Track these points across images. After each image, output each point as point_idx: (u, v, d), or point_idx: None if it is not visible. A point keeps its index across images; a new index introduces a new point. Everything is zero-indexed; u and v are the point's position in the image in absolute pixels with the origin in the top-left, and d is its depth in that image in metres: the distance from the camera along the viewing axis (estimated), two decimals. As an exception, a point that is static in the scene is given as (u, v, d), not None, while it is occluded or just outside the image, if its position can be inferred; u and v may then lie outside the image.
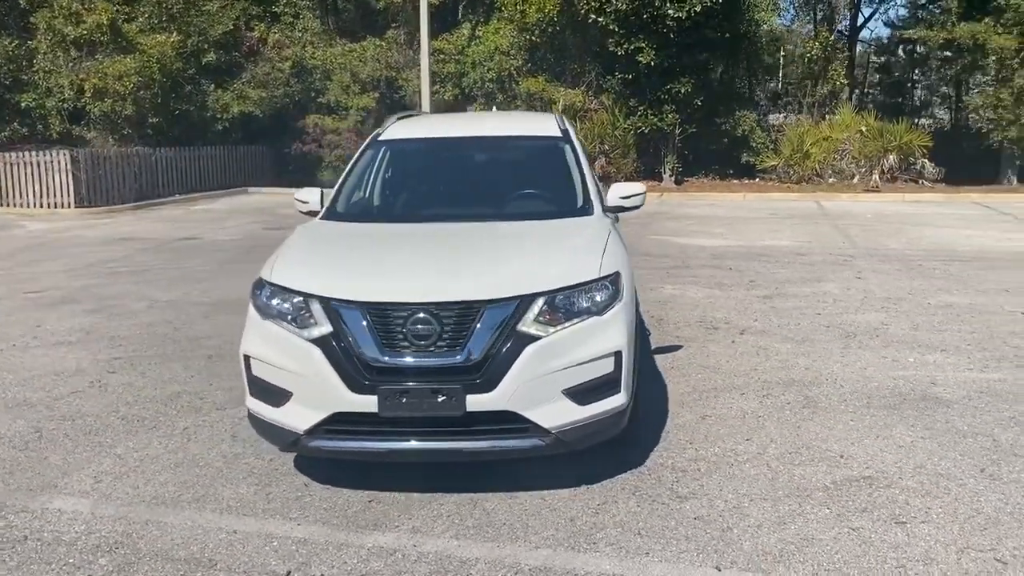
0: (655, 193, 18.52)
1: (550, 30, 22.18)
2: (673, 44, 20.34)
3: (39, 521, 3.92)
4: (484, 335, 3.77)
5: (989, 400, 5.27)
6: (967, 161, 21.47)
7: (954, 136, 23.62)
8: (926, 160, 21.23)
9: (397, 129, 5.78)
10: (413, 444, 3.83)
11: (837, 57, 23.54)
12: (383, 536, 3.72)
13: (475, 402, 3.74)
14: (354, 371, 3.78)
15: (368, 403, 3.77)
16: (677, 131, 21.23)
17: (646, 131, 21.14)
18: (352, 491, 4.15)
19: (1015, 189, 19.78)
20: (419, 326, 3.77)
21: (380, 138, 5.64)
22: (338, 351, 3.80)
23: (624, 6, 19.83)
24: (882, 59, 26.52)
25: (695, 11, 19.30)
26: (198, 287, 9.45)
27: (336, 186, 5.33)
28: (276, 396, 3.97)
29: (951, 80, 24.11)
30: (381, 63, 24.73)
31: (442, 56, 23.80)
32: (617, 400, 4.00)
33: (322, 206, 5.30)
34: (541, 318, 3.84)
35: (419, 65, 24.46)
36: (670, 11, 19.67)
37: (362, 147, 5.62)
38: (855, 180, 21.49)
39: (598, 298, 3.99)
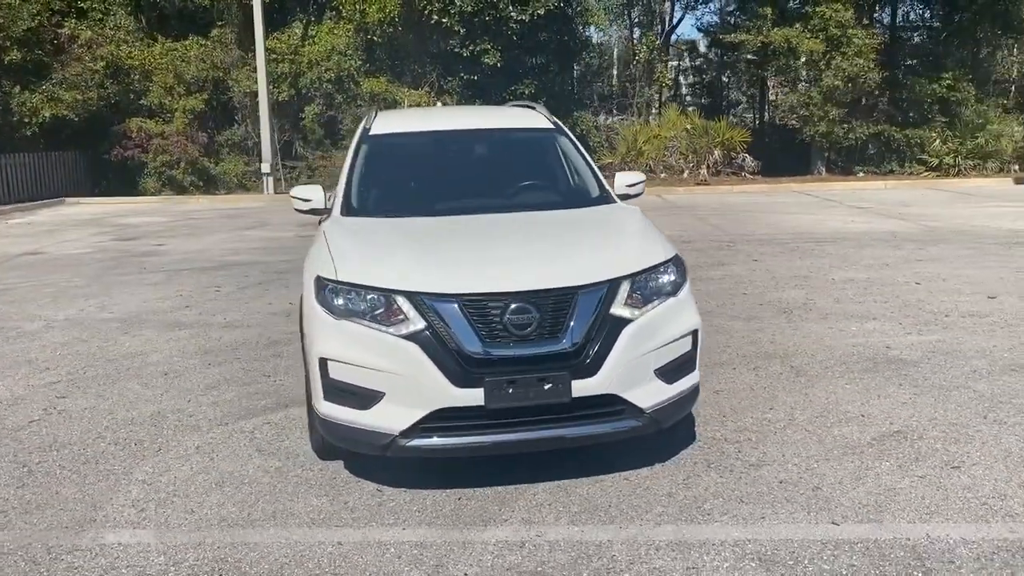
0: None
1: (391, 30, 21.98)
2: (516, 46, 20.83)
3: (104, 558, 3.50)
4: (582, 320, 3.79)
5: (944, 358, 5.90)
6: (777, 154, 23.49)
7: (765, 132, 25.76)
8: (746, 155, 23.01)
9: (385, 123, 5.60)
10: (518, 435, 3.78)
11: (662, 60, 24.99)
12: (499, 530, 3.64)
13: (580, 388, 3.75)
14: (455, 365, 3.67)
15: (473, 396, 3.68)
16: (522, 131, 21.67)
17: (493, 131, 21.42)
18: (433, 491, 4.01)
19: (825, 179, 21.92)
20: (519, 315, 3.73)
21: (372, 132, 5.44)
22: (437, 346, 3.69)
23: (469, 7, 20.05)
24: (697, 62, 28.46)
25: (538, 14, 19.87)
26: (91, 303, 8.62)
27: (343, 182, 5.09)
28: (364, 398, 3.78)
29: (756, 82, 26.26)
30: (207, 63, 23.48)
31: (274, 56, 22.93)
32: (695, 376, 4.15)
33: (327, 204, 5.07)
34: (628, 301, 3.91)
35: (249, 65, 23.49)
36: (513, 14, 20.13)
37: (356, 142, 5.39)
38: (685, 175, 22.93)
39: (671, 279, 4.12)
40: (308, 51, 23.15)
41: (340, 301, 3.90)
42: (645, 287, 4.01)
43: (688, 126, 23.40)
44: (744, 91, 27.78)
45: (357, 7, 21.86)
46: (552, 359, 3.74)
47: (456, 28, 20.62)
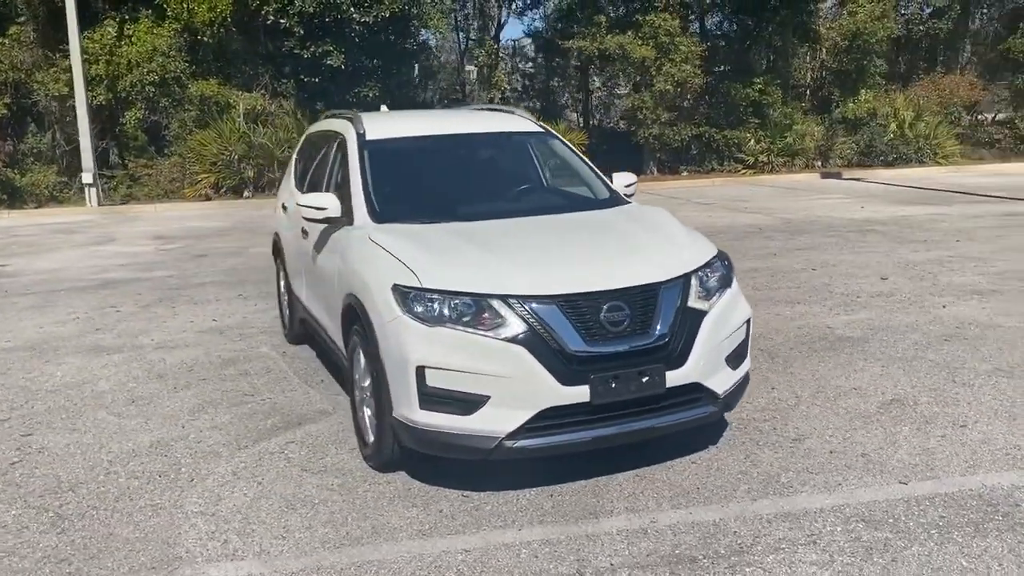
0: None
1: (222, 31, 20.95)
2: (359, 49, 20.51)
3: (224, 595, 3.28)
4: (667, 314, 3.96)
5: (884, 334, 6.58)
6: (608, 156, 24.61)
7: (593, 134, 26.89)
8: (585, 157, 23.89)
9: (376, 127, 5.46)
10: (617, 428, 3.89)
11: (499, 63, 25.50)
12: (613, 521, 3.74)
13: (672, 378, 3.92)
14: (561, 364, 3.73)
15: (579, 394, 3.76)
16: (367, 135, 21.38)
17: (337, 135, 20.99)
18: (521, 492, 4.03)
19: (657, 178, 23.28)
20: (613, 312, 3.85)
21: (370, 138, 5.29)
22: (542, 346, 3.73)
23: (310, 8, 19.53)
24: (527, 67, 29.25)
25: (383, 16, 19.69)
26: (-23, 331, 7.72)
27: (358, 189, 4.92)
28: (466, 404, 3.74)
29: (585, 86, 27.46)
30: (5, 63, 21.30)
31: (86, 56, 21.16)
32: (749, 361, 4.45)
33: (342, 212, 4.90)
34: (699, 294, 4.14)
35: (56, 66, 21.58)
36: (356, 16, 19.82)
37: (354, 146, 5.20)
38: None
39: (724, 273, 4.39)
40: (126, 52, 21.55)
41: (430, 308, 3.83)
42: (708, 280, 4.25)
43: (527, 129, 24.00)
44: (574, 95, 28.85)
45: (185, 6, 20.65)
46: (647, 353, 3.89)
47: (295, 29, 20.01)
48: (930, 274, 8.72)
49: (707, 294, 4.19)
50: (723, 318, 4.17)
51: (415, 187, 5.30)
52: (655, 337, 3.90)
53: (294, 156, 7.07)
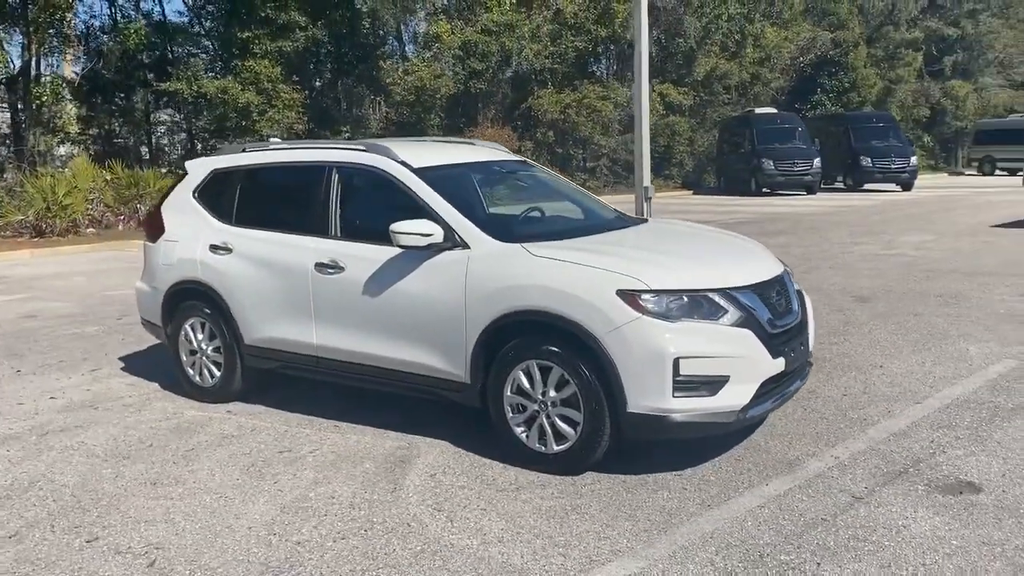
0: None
1: None
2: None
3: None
4: (794, 296, 5.00)
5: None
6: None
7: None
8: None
9: (413, 156, 5.40)
10: (789, 388, 4.78)
11: (66, 101, 22.59)
12: (770, 487, 4.33)
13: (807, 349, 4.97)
14: (768, 341, 4.52)
15: (779, 364, 4.57)
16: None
17: None
18: (664, 475, 4.54)
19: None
20: (779, 297, 4.78)
21: (417, 166, 5.25)
22: (758, 328, 4.48)
23: None
24: (84, 110, 26.16)
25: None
26: None
27: (451, 214, 4.95)
28: (712, 385, 4.30)
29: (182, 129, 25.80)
30: None
31: None
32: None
33: (446, 237, 4.89)
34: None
35: None
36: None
37: (412, 176, 5.14)
38: (120, 228, 21.36)
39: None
40: None
41: (665, 307, 4.32)
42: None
43: (108, 176, 21.81)
44: (139, 137, 26.69)
45: None
46: (798, 328, 4.86)
47: None
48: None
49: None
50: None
51: (486, 209, 5.46)
52: (796, 314, 4.90)
53: (192, 194, 6.30)
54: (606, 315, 4.33)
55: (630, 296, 4.32)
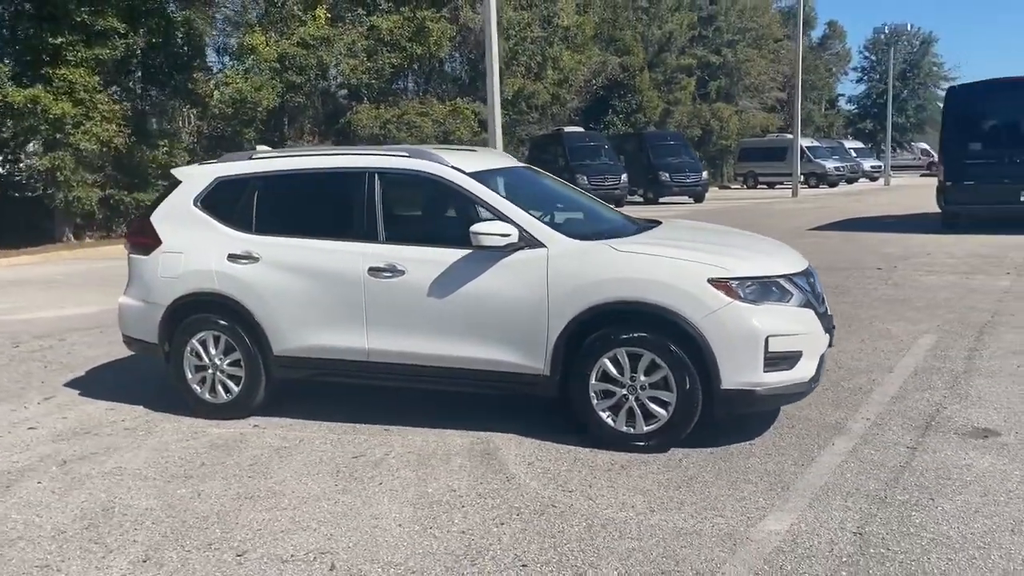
0: None
1: None
2: None
3: None
4: (818, 283, 5.69)
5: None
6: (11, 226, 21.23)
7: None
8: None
9: (459, 162, 5.53)
10: (825, 362, 5.45)
11: None
12: (840, 443, 5.26)
13: (829, 331, 5.70)
14: (822, 321, 5.16)
15: (827, 340, 5.24)
16: None
17: None
18: (715, 449, 5.23)
19: (76, 245, 21.05)
20: (816, 283, 5.43)
21: (470, 171, 5.43)
22: (814, 309, 5.10)
23: None
24: None
25: None
26: None
27: (520, 215, 5.18)
28: (790, 359, 4.87)
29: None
30: None
31: None
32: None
33: (520, 237, 5.11)
34: None
35: None
36: None
37: (470, 180, 5.30)
38: (-93, 253, 18.81)
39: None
40: None
41: (751, 292, 4.84)
42: None
43: None
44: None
45: None
46: (828, 313, 5.54)
47: None
48: None
49: None
50: None
51: (547, 212, 5.72)
52: (823, 298, 5.59)
53: (193, 203, 6.02)
54: (702, 301, 4.77)
55: (721, 284, 4.80)
